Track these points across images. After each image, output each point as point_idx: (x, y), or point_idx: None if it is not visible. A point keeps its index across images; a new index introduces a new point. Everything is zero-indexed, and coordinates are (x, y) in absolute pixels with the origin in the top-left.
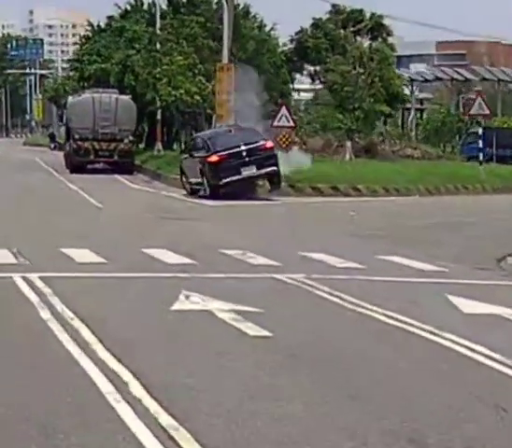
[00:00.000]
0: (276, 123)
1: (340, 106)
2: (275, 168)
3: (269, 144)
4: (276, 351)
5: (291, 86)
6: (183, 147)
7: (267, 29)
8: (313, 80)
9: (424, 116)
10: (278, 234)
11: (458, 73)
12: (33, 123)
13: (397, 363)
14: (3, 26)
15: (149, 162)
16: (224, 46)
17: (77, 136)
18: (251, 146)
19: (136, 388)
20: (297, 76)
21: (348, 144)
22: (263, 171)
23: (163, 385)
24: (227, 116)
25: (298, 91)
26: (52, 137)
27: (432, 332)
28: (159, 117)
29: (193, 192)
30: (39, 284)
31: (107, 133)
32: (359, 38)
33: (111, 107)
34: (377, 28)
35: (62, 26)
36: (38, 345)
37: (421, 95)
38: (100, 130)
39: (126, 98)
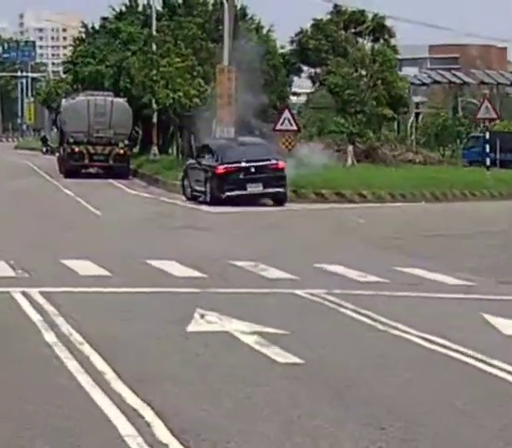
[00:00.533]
0: (278, 127)
1: (342, 110)
2: (282, 190)
3: (281, 164)
4: (310, 381)
5: (289, 89)
6: (180, 151)
7: (264, 31)
8: (313, 83)
9: (419, 119)
10: (288, 244)
11: (455, 76)
12: (24, 127)
13: (448, 398)
14: None
15: (144, 167)
16: (225, 47)
17: (71, 140)
18: (262, 163)
19: (161, 430)
20: (295, 78)
21: (350, 148)
22: (270, 190)
23: (190, 425)
24: (228, 119)
25: (296, 94)
26: (44, 141)
27: (477, 359)
28: (155, 120)
29: (193, 198)
30: (41, 300)
31: (102, 137)
32: (360, 40)
33: (106, 110)
34: (379, 30)
35: (52, 29)
36: (44, 376)
37: (416, 99)
38: (95, 133)
39: (121, 101)
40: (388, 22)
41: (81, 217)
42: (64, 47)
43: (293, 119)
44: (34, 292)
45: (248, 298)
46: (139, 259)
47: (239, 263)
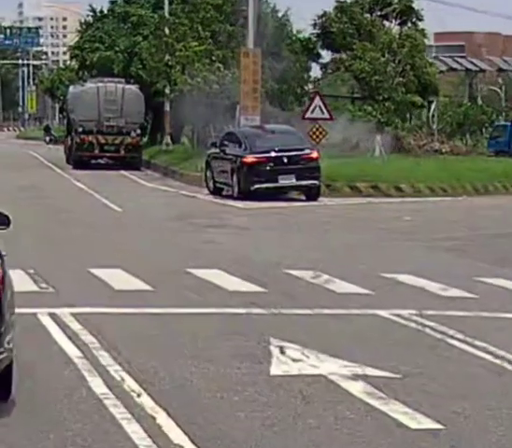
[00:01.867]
0: (308, 115)
1: (369, 97)
2: (316, 182)
3: (315, 154)
4: None
5: (310, 75)
6: (196, 141)
7: (279, 15)
8: (338, 69)
9: (432, 107)
10: (336, 245)
11: (472, 63)
12: (26, 116)
13: None
14: None
15: (157, 157)
16: (249, 28)
17: (80, 129)
18: (295, 152)
19: None
20: (313, 64)
21: (378, 138)
22: (303, 183)
23: None
24: (253, 107)
25: (317, 80)
26: (47, 130)
27: None
28: (167, 108)
29: (217, 191)
30: (74, 325)
31: (113, 126)
32: (387, 23)
33: (117, 98)
34: (407, 12)
35: (52, 18)
36: (89, 431)
37: None
38: (105, 122)
39: (134, 88)
40: (415, 5)
41: (101, 214)
42: (65, 36)
43: (325, 106)
44: (64, 314)
45: (326, 322)
46: (179, 267)
47: (296, 272)
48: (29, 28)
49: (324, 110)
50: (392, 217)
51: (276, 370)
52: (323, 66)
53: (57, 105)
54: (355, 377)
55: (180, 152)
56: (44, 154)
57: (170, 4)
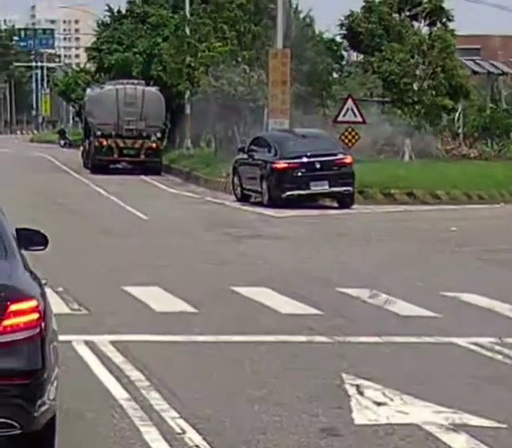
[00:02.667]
0: (340, 118)
1: (398, 100)
2: (350, 188)
3: (349, 159)
4: None
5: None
6: (218, 145)
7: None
8: (365, 71)
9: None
10: (387, 259)
11: (494, 66)
12: (39, 119)
13: None
14: (5, 21)
15: (178, 162)
16: (278, 28)
17: (98, 133)
18: (327, 157)
19: None
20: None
21: (408, 142)
22: (337, 189)
23: None
24: (282, 110)
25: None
26: (62, 133)
27: None
28: (188, 111)
29: (244, 198)
30: (116, 356)
31: (133, 130)
32: (416, 24)
33: (137, 100)
34: (437, 12)
35: (65, 21)
36: None
37: None
38: (125, 126)
39: (154, 90)
40: (446, 4)
41: (127, 222)
42: (77, 38)
43: (358, 109)
44: (103, 342)
45: (400, 353)
46: (221, 284)
47: (349, 291)
48: (44, 29)
49: (357, 113)
50: (435, 227)
51: (360, 417)
52: (342, 68)
53: (71, 109)
54: (455, 427)
55: (202, 157)
56: (60, 158)
57: (191, 4)
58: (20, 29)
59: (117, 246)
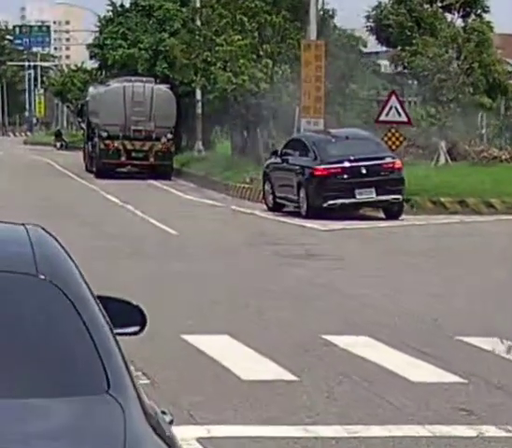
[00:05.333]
0: (383, 117)
1: (432, 98)
2: (400, 197)
3: (398, 163)
4: None
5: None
6: (237, 147)
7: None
8: (396, 66)
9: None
10: (489, 290)
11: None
12: (33, 120)
13: None
14: None
15: (190, 166)
16: (311, 17)
17: (104, 134)
18: (374, 162)
19: None
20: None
21: (443, 144)
22: (384, 198)
23: None
24: (316, 108)
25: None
26: (58, 135)
27: None
28: (199, 110)
29: (276, 207)
30: None
31: (141, 131)
32: (449, 15)
33: (146, 99)
34: (472, 3)
35: (55, 22)
36: None
37: None
38: (132, 126)
39: (164, 88)
40: None
41: (155, 238)
42: (68, 39)
43: (402, 107)
44: (185, 438)
45: None
46: (308, 332)
47: (475, 341)
48: (39, 27)
49: (401, 112)
50: (504, 242)
51: None
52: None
53: (66, 109)
54: None
55: (217, 160)
56: (59, 161)
57: None
58: (15, 26)
59: (155, 274)
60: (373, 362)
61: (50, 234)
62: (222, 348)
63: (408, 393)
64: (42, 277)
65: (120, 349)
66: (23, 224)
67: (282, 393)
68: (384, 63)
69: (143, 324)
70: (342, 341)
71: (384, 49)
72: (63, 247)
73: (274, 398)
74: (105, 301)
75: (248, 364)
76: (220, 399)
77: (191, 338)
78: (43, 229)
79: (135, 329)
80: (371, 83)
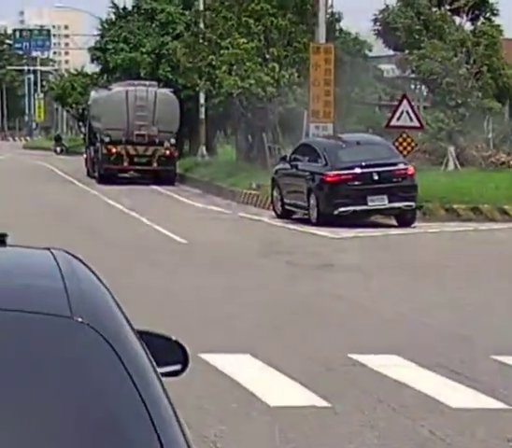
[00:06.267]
0: (394, 122)
1: (440, 102)
2: (412, 204)
3: (411, 169)
4: None
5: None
6: (242, 152)
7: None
8: (404, 71)
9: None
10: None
11: None
12: (33, 125)
13: None
14: None
15: (194, 171)
16: (320, 20)
17: (106, 139)
18: (386, 168)
19: None
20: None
21: (452, 149)
22: (397, 205)
23: None
24: (325, 113)
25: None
26: (58, 140)
27: None
28: (202, 115)
29: (285, 214)
30: None
31: (144, 135)
32: (458, 18)
33: (149, 103)
34: (480, 6)
35: (54, 26)
36: None
37: None
38: (135, 131)
39: (167, 92)
40: None
41: (164, 247)
42: (66, 44)
43: (414, 112)
44: None
45: None
46: (333, 351)
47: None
48: (39, 30)
49: (413, 117)
50: None
51: None
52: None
53: (66, 114)
54: None
55: (221, 165)
56: (60, 166)
57: None
58: (15, 30)
59: (166, 286)
60: (407, 385)
61: (80, 260)
62: (245, 369)
63: (450, 421)
64: (79, 320)
65: (169, 400)
66: (49, 249)
67: (318, 422)
68: (386, 67)
69: (185, 362)
70: (370, 360)
71: (387, 53)
72: (95, 274)
73: (308, 427)
74: (143, 337)
75: (275, 388)
76: (248, 431)
77: (210, 358)
78: (68, 252)
79: (177, 367)
80: (372, 88)
